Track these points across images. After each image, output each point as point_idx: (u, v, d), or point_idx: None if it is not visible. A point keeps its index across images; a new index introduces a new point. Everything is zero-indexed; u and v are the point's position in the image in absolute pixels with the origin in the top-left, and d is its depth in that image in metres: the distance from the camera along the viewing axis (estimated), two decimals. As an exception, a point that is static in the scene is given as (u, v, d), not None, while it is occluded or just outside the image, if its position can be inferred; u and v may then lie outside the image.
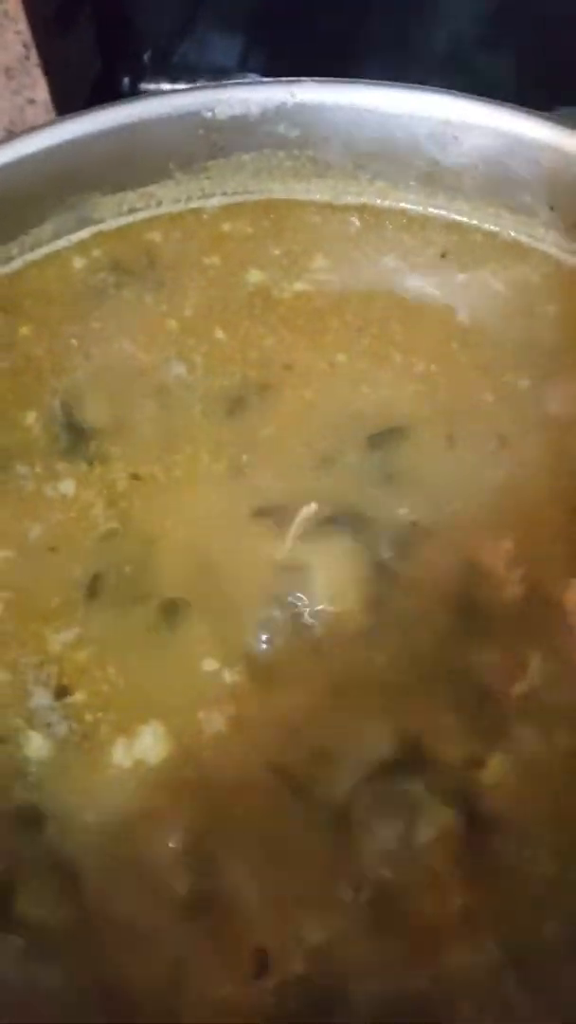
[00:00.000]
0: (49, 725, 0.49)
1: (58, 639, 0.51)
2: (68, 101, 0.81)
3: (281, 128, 0.63)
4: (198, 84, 0.63)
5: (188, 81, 0.81)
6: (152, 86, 0.85)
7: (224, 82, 0.63)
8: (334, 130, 0.63)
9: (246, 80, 0.61)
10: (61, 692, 0.50)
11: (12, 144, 0.62)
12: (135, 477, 0.57)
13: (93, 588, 0.53)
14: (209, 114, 0.62)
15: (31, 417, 0.60)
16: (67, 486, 0.57)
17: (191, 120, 0.62)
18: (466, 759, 0.49)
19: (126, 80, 0.86)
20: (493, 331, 0.61)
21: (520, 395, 0.58)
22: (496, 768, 0.48)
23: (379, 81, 0.61)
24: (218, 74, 0.81)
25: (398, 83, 0.61)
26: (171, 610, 0.52)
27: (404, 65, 0.74)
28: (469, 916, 0.44)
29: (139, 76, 0.86)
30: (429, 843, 0.45)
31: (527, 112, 0.59)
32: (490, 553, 0.54)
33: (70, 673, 0.51)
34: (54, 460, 0.58)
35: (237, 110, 0.62)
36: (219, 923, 0.44)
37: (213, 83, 0.62)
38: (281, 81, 0.61)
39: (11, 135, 0.63)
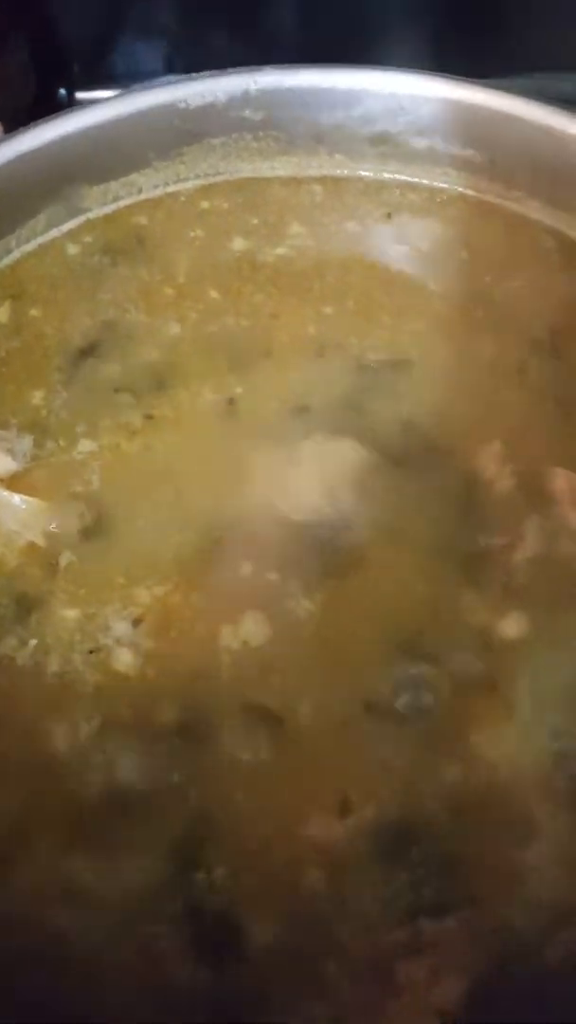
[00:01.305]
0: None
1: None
2: (14, 115, 0.87)
3: (247, 112, 0.71)
4: (167, 78, 0.70)
5: (121, 87, 0.88)
6: (88, 95, 0.92)
7: (192, 75, 0.70)
8: (293, 111, 0.71)
9: (213, 72, 0.69)
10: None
11: (5, 143, 0.69)
12: (148, 417, 0.64)
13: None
14: (183, 105, 0.70)
15: (38, 396, 0.66)
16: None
17: (167, 111, 0.70)
18: (483, 625, 0.57)
19: (62, 92, 0.93)
20: (458, 273, 0.69)
21: (498, 326, 0.67)
22: (513, 622, 0.56)
23: (331, 64, 0.69)
24: (147, 78, 0.88)
25: (349, 64, 0.69)
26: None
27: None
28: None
29: (73, 87, 0.93)
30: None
31: (462, 80, 0.68)
32: (482, 454, 0.62)
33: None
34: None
35: (207, 99, 0.70)
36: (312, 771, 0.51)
37: (184, 76, 0.70)
38: (244, 70, 0.69)
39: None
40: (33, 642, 0.55)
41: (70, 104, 0.93)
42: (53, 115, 0.68)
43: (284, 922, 0.49)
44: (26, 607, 0.56)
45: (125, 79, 0.91)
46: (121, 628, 0.55)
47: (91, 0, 0.96)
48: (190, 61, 0.89)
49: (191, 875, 0.49)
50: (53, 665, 0.54)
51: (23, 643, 0.55)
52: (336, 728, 0.53)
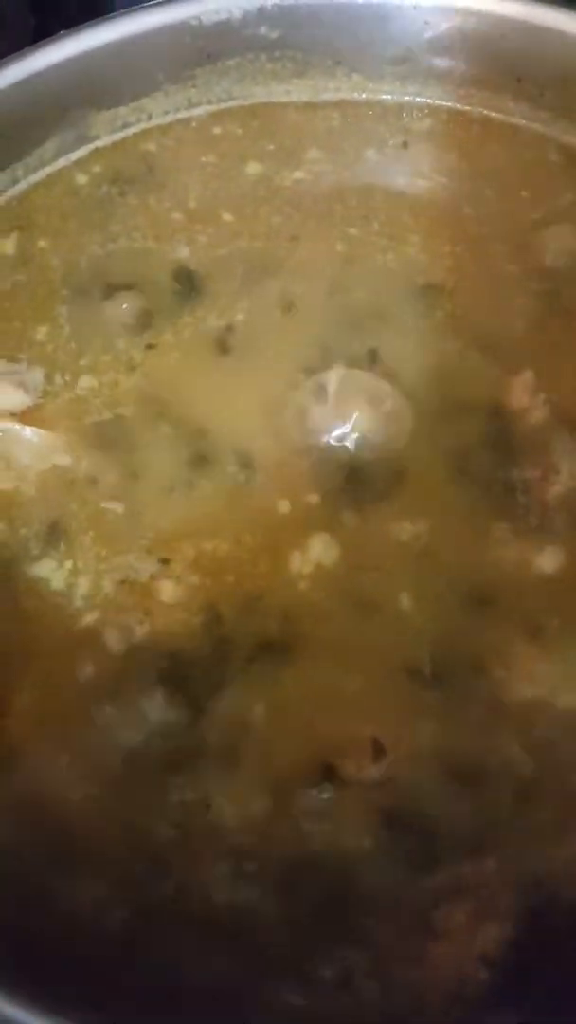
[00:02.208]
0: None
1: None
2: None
3: (263, 30, 0.67)
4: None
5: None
6: None
7: (206, -10, 0.66)
8: (311, 28, 0.67)
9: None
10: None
11: (8, 67, 0.65)
12: (150, 347, 0.61)
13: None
14: (196, 22, 0.66)
15: (42, 332, 0.63)
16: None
17: (179, 29, 0.66)
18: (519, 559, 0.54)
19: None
20: (488, 201, 0.66)
21: (523, 252, 0.64)
22: (550, 556, 0.54)
23: (350, -24, 0.66)
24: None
25: (368, -24, 0.65)
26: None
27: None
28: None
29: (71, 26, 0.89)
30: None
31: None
32: (515, 383, 0.59)
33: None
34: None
35: (221, 15, 0.66)
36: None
37: (195, -9, 0.66)
38: (260, -17, 0.66)
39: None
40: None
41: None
42: (57, 35, 0.64)
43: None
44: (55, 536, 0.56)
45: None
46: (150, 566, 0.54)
47: None
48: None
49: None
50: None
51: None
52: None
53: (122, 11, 0.65)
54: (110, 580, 0.54)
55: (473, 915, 0.47)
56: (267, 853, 0.47)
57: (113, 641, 0.52)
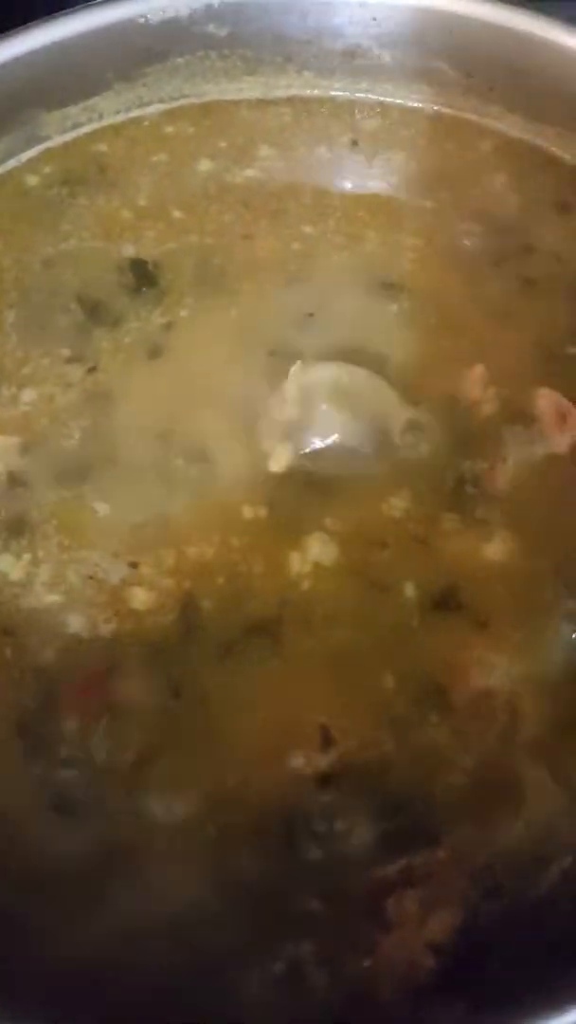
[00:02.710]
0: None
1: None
2: None
3: (211, 27, 0.67)
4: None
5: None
6: None
7: (154, -12, 0.67)
8: (260, 25, 0.68)
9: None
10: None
11: (-43, 68, 0.65)
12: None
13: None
14: (143, 20, 0.66)
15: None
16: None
17: (126, 27, 0.66)
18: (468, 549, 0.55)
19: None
20: (441, 196, 0.67)
21: (478, 247, 0.64)
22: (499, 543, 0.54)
23: (298, -28, 0.66)
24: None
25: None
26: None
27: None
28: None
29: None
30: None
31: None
32: (466, 377, 0.60)
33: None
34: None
35: (169, 13, 0.66)
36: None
37: (143, -10, 0.66)
38: (207, -20, 0.66)
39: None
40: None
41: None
42: (2, 33, 0.64)
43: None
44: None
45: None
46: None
47: None
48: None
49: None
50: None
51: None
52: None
53: (68, 9, 0.65)
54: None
55: (423, 904, 0.47)
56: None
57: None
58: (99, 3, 0.65)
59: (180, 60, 0.68)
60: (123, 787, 0.48)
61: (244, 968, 0.45)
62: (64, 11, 0.65)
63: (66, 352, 0.61)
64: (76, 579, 0.53)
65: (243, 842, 0.47)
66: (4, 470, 0.57)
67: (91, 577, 0.53)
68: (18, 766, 0.49)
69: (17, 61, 0.65)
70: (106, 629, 0.52)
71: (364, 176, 0.69)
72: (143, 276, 0.63)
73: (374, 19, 0.66)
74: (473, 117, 0.69)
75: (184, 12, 0.66)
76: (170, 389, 0.60)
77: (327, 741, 0.49)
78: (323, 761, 0.49)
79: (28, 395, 0.60)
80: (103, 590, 0.53)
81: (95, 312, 0.62)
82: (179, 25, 0.67)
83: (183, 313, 0.62)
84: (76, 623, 0.52)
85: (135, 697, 0.50)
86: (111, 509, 0.55)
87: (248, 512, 0.55)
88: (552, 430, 0.58)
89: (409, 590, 0.53)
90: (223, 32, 0.68)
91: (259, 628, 0.52)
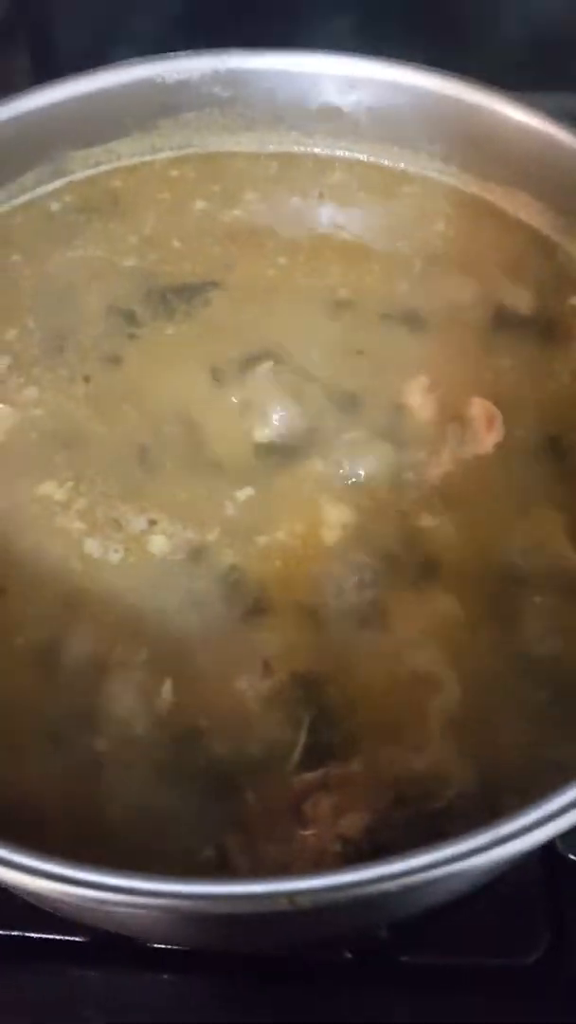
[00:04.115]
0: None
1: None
2: None
3: (216, 89, 0.79)
4: (149, 56, 0.79)
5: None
6: None
7: (169, 54, 0.79)
8: (258, 89, 0.80)
9: (187, 52, 0.78)
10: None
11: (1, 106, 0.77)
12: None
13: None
14: (160, 80, 0.78)
15: (11, 334, 0.73)
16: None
17: (146, 85, 0.78)
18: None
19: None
20: (397, 239, 0.78)
21: (429, 286, 0.75)
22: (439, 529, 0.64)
23: (292, 48, 0.78)
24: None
25: (306, 48, 0.78)
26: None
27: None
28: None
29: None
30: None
31: (407, 64, 0.76)
32: (410, 387, 0.69)
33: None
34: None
35: (182, 75, 0.78)
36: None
37: (162, 54, 0.78)
38: (215, 51, 0.78)
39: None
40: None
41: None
42: (44, 83, 0.76)
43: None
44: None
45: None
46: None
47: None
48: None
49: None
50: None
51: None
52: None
53: (101, 67, 0.77)
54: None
55: (337, 807, 0.55)
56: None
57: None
58: (125, 63, 0.77)
59: (189, 115, 0.80)
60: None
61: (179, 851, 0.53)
62: (97, 68, 0.77)
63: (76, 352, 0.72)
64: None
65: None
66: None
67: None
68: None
69: (54, 106, 0.77)
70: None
71: (331, 220, 0.80)
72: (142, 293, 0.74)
73: (351, 87, 0.78)
74: (433, 174, 0.80)
75: (195, 75, 0.78)
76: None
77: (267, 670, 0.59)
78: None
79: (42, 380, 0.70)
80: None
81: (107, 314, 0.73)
82: (190, 86, 0.79)
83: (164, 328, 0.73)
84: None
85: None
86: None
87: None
88: (483, 432, 0.67)
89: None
90: (226, 94, 0.80)
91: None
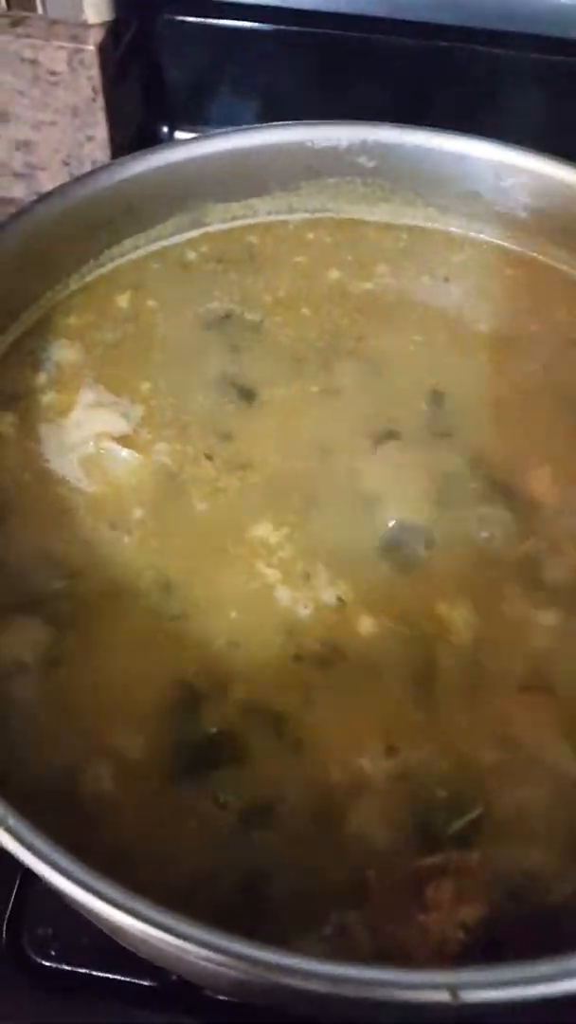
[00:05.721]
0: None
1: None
2: (120, 145, 0.97)
3: (362, 159, 0.81)
4: (294, 121, 0.81)
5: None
6: (185, 135, 1.00)
7: (321, 120, 0.81)
8: (401, 163, 0.81)
9: (338, 120, 0.80)
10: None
11: (147, 157, 0.78)
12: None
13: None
14: (310, 143, 0.80)
15: (146, 385, 0.75)
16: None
17: (294, 147, 0.80)
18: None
19: (164, 129, 1.03)
20: (516, 324, 0.79)
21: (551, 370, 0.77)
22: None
23: (440, 128, 0.80)
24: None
25: (455, 131, 0.80)
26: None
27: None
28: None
29: (173, 125, 1.03)
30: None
31: (556, 159, 0.78)
32: (535, 475, 0.71)
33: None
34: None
35: (331, 142, 0.80)
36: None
37: (313, 121, 0.80)
38: (366, 122, 0.80)
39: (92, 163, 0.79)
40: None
41: (170, 139, 1.03)
42: (193, 137, 0.78)
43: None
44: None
45: (217, 123, 0.99)
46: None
47: (195, 52, 1.06)
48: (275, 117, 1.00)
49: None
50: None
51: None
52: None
53: (252, 125, 0.78)
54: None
55: (459, 894, 0.56)
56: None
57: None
58: (278, 124, 0.79)
59: (331, 180, 0.82)
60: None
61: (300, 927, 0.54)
62: (248, 126, 0.79)
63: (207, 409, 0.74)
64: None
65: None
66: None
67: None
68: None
69: (199, 158, 0.79)
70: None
71: (455, 302, 0.81)
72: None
73: (497, 175, 0.80)
74: (563, 267, 0.82)
75: (343, 144, 0.80)
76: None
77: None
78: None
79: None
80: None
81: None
82: (336, 153, 0.81)
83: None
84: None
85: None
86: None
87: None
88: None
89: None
90: (371, 164, 0.81)
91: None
